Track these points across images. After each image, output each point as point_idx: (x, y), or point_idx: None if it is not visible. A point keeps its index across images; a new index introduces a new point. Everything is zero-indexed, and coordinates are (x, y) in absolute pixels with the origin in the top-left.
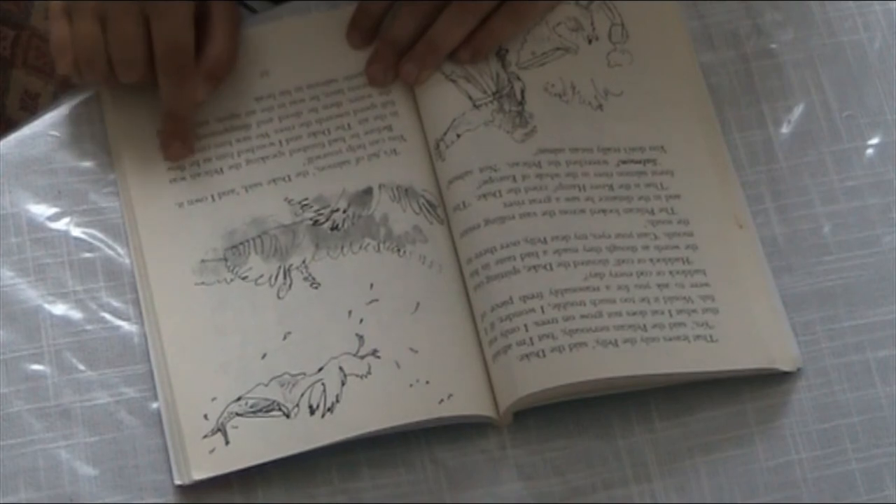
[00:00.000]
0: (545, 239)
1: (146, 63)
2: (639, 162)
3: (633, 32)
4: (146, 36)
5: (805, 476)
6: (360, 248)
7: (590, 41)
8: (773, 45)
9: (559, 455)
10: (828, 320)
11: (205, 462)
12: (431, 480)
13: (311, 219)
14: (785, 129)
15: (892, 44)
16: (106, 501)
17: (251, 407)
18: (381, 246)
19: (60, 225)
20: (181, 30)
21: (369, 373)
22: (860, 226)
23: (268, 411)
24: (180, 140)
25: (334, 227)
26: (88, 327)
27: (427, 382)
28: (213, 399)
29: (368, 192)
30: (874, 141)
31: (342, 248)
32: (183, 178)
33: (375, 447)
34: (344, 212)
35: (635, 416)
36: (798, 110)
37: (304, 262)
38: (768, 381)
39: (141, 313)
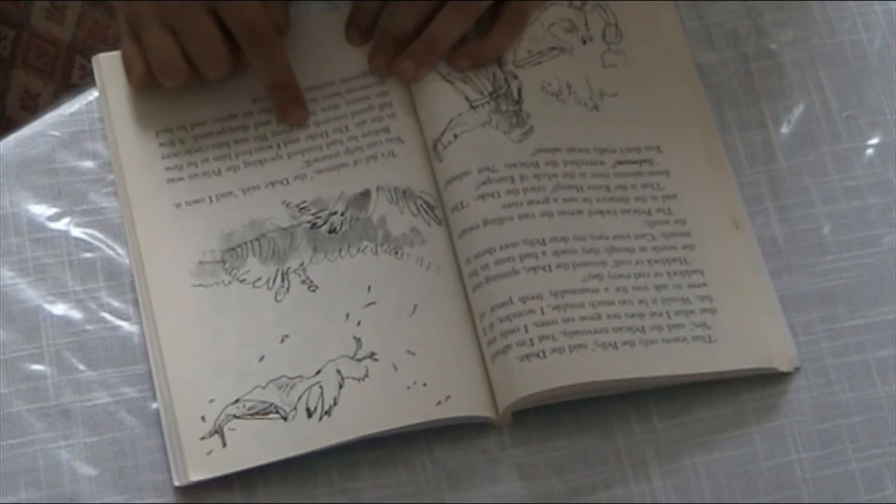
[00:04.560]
0: (544, 240)
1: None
2: (635, 162)
3: (627, 33)
4: (220, 28)
5: (805, 476)
6: (358, 250)
7: (584, 42)
8: (773, 45)
9: (559, 455)
10: (828, 320)
11: (202, 463)
12: (431, 480)
13: (308, 222)
14: (785, 129)
15: (892, 44)
16: (106, 501)
17: (248, 409)
18: (379, 248)
19: (60, 225)
20: (252, 7)
21: (367, 376)
22: (860, 226)
23: (265, 414)
24: (295, 105)
25: (332, 230)
26: (88, 327)
27: (424, 385)
28: (211, 401)
29: (366, 194)
30: (874, 141)
31: (340, 251)
32: (181, 179)
33: (376, 447)
34: (342, 215)
35: (635, 416)
36: (798, 110)
37: (301, 265)
38: (768, 381)
39: (140, 313)
